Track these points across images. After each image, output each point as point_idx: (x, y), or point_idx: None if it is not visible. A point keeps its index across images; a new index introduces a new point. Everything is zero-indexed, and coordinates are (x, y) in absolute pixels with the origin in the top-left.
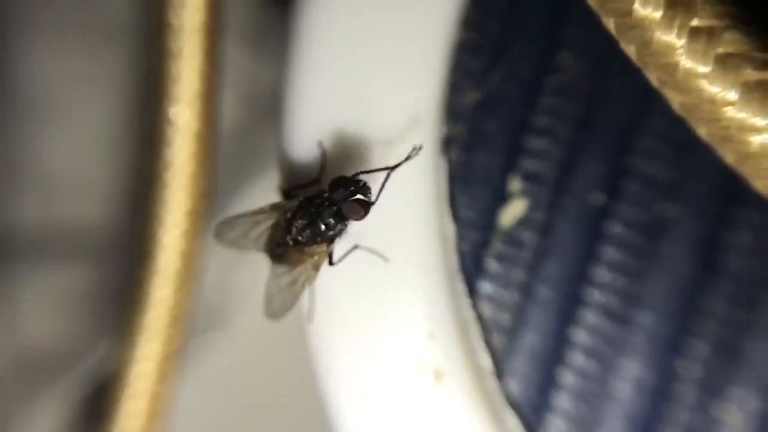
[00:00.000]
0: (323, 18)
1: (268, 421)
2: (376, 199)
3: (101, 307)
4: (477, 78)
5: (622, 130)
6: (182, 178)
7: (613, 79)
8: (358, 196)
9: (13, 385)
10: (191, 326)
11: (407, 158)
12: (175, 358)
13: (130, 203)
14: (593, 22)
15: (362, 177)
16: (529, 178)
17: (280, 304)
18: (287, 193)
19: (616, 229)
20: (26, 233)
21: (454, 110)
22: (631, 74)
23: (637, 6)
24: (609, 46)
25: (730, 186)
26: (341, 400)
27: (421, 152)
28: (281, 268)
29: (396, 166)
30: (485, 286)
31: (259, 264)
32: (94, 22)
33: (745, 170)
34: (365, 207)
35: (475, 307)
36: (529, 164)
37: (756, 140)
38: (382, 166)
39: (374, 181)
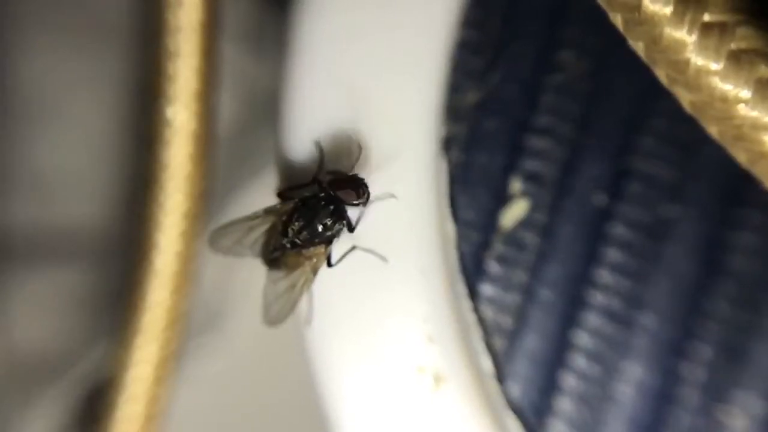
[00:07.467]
0: (321, 17)
1: (266, 424)
2: (366, 199)
3: (98, 310)
4: (477, 77)
5: (623, 129)
6: (179, 179)
7: (614, 77)
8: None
9: (9, 389)
10: (188, 329)
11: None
12: (172, 361)
13: (127, 204)
14: (594, 20)
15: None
16: (530, 178)
17: (279, 311)
18: (284, 193)
19: (617, 230)
20: (21, 235)
21: (454, 110)
22: (633, 73)
23: (646, 1)
24: (610, 44)
25: (732, 186)
26: (340, 403)
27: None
28: (278, 273)
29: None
30: (486, 288)
31: (257, 265)
32: (90, 21)
33: (758, 170)
34: (361, 187)
35: (475, 309)
36: (530, 164)
37: None
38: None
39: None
